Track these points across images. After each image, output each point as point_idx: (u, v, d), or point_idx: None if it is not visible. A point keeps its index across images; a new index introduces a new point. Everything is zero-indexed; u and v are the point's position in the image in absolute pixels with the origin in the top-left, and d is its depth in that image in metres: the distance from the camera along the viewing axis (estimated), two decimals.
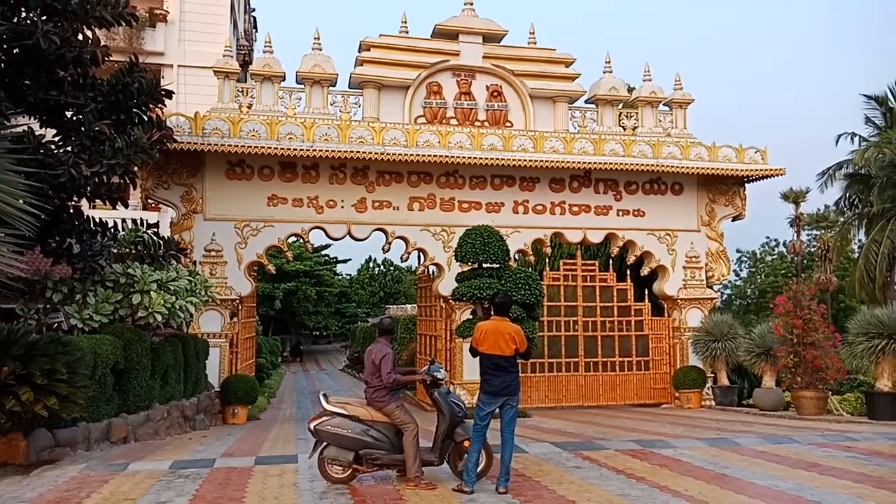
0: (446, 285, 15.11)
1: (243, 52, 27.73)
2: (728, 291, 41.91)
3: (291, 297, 45.30)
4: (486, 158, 15.03)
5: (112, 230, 11.31)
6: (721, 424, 11.79)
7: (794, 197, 31.79)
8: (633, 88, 18.09)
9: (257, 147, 14.05)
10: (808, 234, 37.49)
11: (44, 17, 9.47)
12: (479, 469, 6.42)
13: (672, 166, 16.03)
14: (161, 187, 14.50)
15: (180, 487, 6.47)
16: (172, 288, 10.88)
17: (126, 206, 11.37)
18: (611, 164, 15.60)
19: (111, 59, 10.53)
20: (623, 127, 16.70)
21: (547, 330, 16.11)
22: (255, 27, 34.93)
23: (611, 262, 17.67)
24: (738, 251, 43.01)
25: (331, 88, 15.38)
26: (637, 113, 16.88)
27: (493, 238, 13.30)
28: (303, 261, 44.52)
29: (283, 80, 15.25)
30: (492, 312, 6.80)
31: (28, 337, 7.65)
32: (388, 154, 14.60)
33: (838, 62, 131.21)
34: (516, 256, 16.02)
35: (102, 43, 10.19)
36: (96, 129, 9.84)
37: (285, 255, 16.39)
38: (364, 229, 15.37)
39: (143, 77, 10.58)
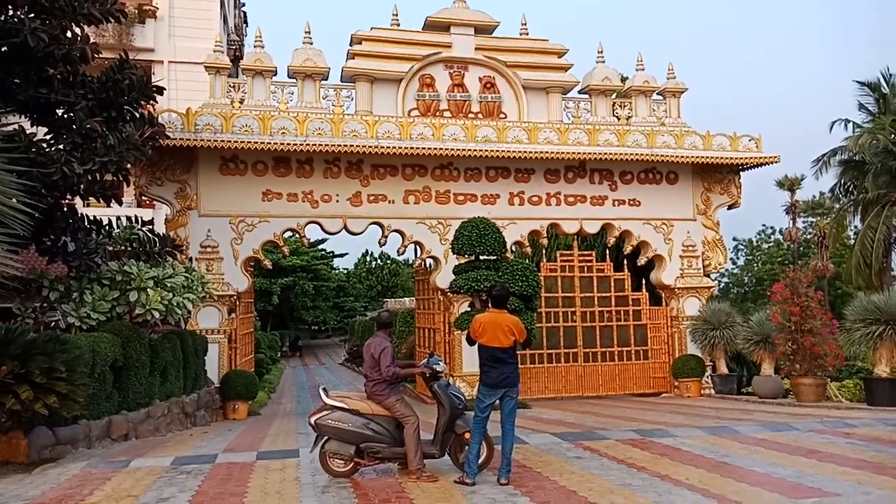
0: (444, 278, 15.09)
1: (234, 47, 27.58)
2: (725, 280, 42.05)
3: (289, 292, 45.29)
4: (481, 150, 14.99)
5: (107, 228, 11.27)
6: (720, 413, 11.83)
7: (790, 184, 31.90)
8: (627, 78, 18.05)
9: (250, 142, 14.00)
10: (803, 222, 37.66)
11: (31, 15, 9.42)
12: (480, 461, 6.42)
13: (667, 155, 16.02)
14: (155, 184, 14.44)
15: (182, 483, 6.47)
16: (169, 285, 10.85)
17: (120, 203, 11.32)
18: (605, 154, 15.58)
19: (101, 56, 10.48)
20: (617, 117, 16.68)
21: (545, 321, 16.14)
22: (246, 22, 34.75)
23: (607, 252, 17.70)
24: (734, 239, 43.16)
25: (323, 82, 15.31)
26: (631, 103, 16.85)
27: (490, 230, 13.28)
28: (299, 256, 44.51)
29: (275, 74, 15.16)
30: (489, 305, 6.79)
31: (26, 336, 7.63)
32: (382, 147, 14.55)
33: (831, 52, 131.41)
34: (513, 248, 16.01)
35: (92, 40, 10.13)
36: (88, 126, 9.79)
37: (281, 250, 16.36)
38: (360, 223, 15.35)
39: (134, 74, 10.53)
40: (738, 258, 43.93)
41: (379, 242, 15.82)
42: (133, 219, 12.00)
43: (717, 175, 17.01)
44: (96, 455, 7.99)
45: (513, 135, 15.35)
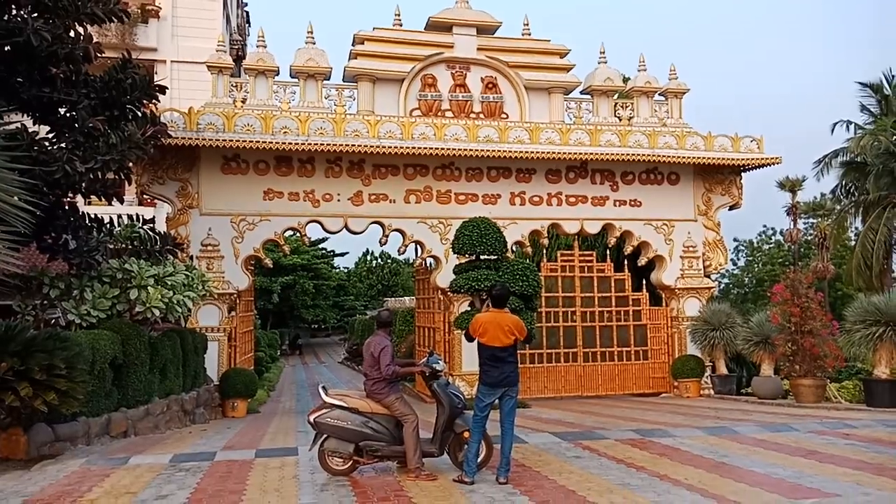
0: (444, 277, 15.10)
1: (236, 46, 27.60)
2: (725, 280, 42.05)
3: (289, 291, 45.32)
4: (482, 150, 15.00)
5: (108, 226, 11.30)
6: (720, 413, 11.82)
7: (791, 185, 31.90)
8: (629, 79, 18.05)
9: (252, 141, 14.01)
10: (804, 223, 37.63)
11: (34, 15, 9.44)
12: (479, 460, 6.43)
13: (668, 156, 16.02)
14: (156, 183, 14.46)
15: (181, 481, 6.48)
16: (169, 283, 10.87)
17: (121, 201, 11.35)
18: (607, 154, 15.58)
19: (104, 55, 10.51)
20: (619, 117, 16.68)
21: (545, 321, 16.14)
22: (248, 22, 34.79)
23: (608, 252, 17.70)
24: (735, 240, 43.14)
25: (325, 82, 15.33)
26: (632, 103, 16.85)
27: (491, 230, 13.29)
28: (300, 254, 44.54)
29: (277, 74, 15.18)
30: (489, 304, 6.80)
31: (26, 333, 7.64)
32: (383, 147, 14.56)
33: (833, 53, 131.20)
34: (514, 248, 16.02)
35: (95, 39, 10.17)
36: (90, 125, 9.82)
37: (282, 248, 16.37)
38: (361, 222, 15.36)
39: (137, 73, 10.56)
40: (738, 259, 43.93)
41: (380, 242, 15.84)
42: (134, 217, 12.03)
43: (719, 176, 17.01)
44: (95, 452, 8.01)
45: (514, 135, 15.36)
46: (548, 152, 15.29)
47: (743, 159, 16.48)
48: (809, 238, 36.40)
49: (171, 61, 21.15)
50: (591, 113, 16.59)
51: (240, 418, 13.56)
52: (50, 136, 10.13)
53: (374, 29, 15.70)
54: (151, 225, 12.23)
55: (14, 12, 9.40)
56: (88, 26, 10.17)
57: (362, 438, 6.53)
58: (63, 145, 9.87)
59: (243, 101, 14.85)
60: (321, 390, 6.84)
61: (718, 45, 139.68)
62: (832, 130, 25.88)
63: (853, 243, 27.67)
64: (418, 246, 15.86)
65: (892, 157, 22.15)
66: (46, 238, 10.18)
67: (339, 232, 15.48)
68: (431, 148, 14.84)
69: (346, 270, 59.83)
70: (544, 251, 17.33)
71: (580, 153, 15.50)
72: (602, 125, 16.21)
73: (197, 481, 6.46)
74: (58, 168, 9.26)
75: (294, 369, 34.58)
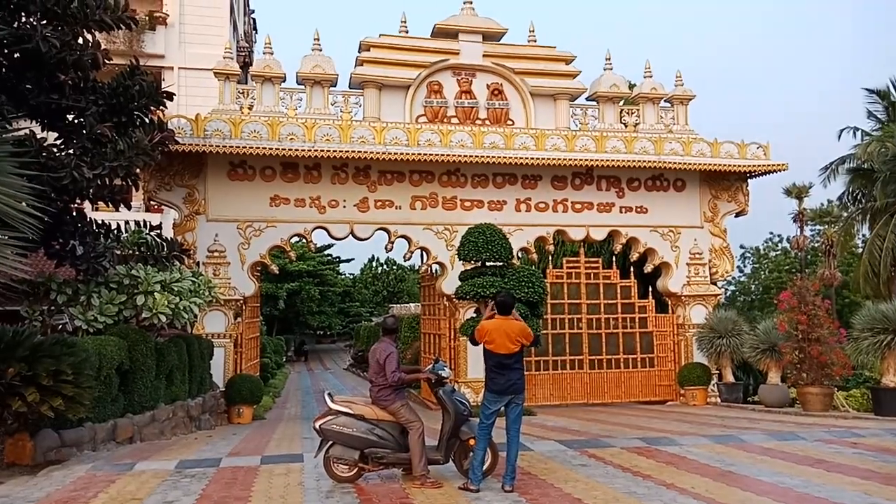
0: (449, 284, 15.09)
1: (243, 53, 27.76)
2: (732, 288, 41.84)
3: (295, 297, 45.38)
4: (488, 157, 15.01)
5: (115, 232, 11.35)
6: (727, 421, 11.77)
7: (797, 192, 31.82)
8: (634, 85, 18.06)
9: (259, 148, 14.06)
10: (811, 230, 37.48)
11: (44, 22, 9.50)
12: (484, 467, 6.40)
13: (674, 163, 15.99)
14: (163, 189, 14.52)
15: (187, 487, 6.48)
16: (176, 289, 10.90)
17: (129, 207, 11.42)
18: (613, 160, 15.57)
19: (112, 62, 10.58)
20: (624, 124, 16.67)
21: (551, 328, 16.08)
22: (255, 29, 34.98)
23: (614, 259, 17.64)
24: (741, 247, 42.96)
25: (331, 89, 15.39)
26: (638, 110, 16.85)
27: (496, 236, 13.29)
28: (306, 261, 44.57)
29: (284, 81, 15.25)
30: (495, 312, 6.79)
31: (33, 338, 7.66)
32: (389, 153, 14.59)
33: (839, 60, 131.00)
34: (519, 254, 16.00)
35: (103, 46, 10.23)
36: (98, 131, 9.86)
37: (288, 255, 16.40)
38: (366, 229, 15.37)
39: (144, 80, 10.61)
40: (745, 266, 43.74)
41: (385, 248, 15.85)
42: (141, 223, 12.07)
43: (725, 182, 16.97)
44: (101, 458, 8.02)
45: (520, 141, 15.36)
46: (553, 159, 15.29)
47: (749, 166, 16.44)
48: (816, 245, 36.22)
49: (179, 68, 21.29)
50: (597, 119, 16.59)
51: (245, 424, 13.57)
52: (58, 142, 10.18)
53: (380, 36, 15.75)
54: (158, 231, 12.27)
55: (23, 19, 9.47)
56: (97, 33, 10.24)
57: (368, 445, 6.53)
58: (71, 151, 9.92)
59: (250, 108, 14.92)
60: (327, 397, 6.84)
61: (723, 50, 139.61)
62: (839, 137, 25.78)
63: (860, 250, 27.49)
64: (424, 252, 15.87)
65: None
66: (54, 244, 10.22)
67: (344, 238, 15.50)
68: (437, 154, 14.86)
69: (351, 277, 59.87)
70: (550, 258, 17.31)
71: (586, 159, 15.50)
72: (608, 132, 16.21)
73: (202, 487, 6.46)
74: (66, 174, 9.31)
75: (299, 376, 34.59)
